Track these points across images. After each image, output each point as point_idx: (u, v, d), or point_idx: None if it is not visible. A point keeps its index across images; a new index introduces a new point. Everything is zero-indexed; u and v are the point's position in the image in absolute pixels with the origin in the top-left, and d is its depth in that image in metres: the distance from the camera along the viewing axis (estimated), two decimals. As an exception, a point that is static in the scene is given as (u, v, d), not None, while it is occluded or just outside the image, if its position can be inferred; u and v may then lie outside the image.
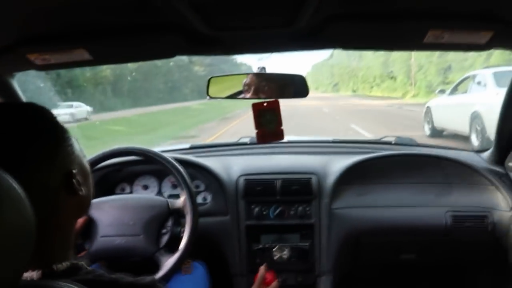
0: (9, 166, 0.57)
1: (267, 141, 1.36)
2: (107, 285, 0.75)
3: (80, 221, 0.87)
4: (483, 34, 1.02)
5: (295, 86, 1.33)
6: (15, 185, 0.56)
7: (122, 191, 1.87)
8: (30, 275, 0.70)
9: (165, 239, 1.50)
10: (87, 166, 0.83)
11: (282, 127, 1.34)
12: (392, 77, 40.37)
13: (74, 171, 0.74)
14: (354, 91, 57.90)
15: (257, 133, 1.34)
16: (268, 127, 1.32)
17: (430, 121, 9.50)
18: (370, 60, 49.51)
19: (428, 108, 9.78)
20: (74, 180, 0.73)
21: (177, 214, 1.55)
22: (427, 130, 9.67)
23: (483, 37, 1.03)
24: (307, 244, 1.73)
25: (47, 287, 0.64)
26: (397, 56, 38.09)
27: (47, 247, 0.69)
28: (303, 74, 1.42)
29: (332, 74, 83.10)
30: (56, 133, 0.74)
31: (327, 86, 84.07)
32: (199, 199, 1.82)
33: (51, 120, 0.75)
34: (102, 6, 0.91)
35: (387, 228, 1.73)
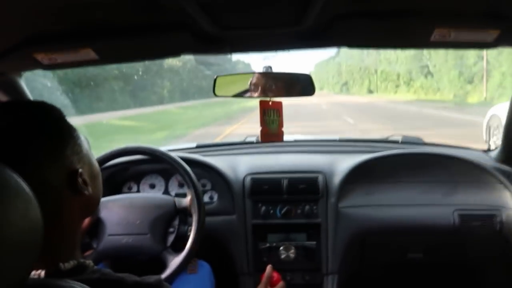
0: (12, 163, 0.57)
1: (268, 141, 1.40)
2: (113, 284, 0.75)
3: (86, 220, 0.87)
4: (489, 32, 1.02)
5: (302, 85, 1.34)
6: (24, 184, 0.56)
7: (129, 190, 1.87)
8: (37, 273, 0.70)
9: (171, 238, 1.51)
10: (97, 166, 0.83)
11: (282, 129, 1.36)
12: (428, 74, 30.07)
13: (79, 170, 0.73)
14: (370, 91, 48.81)
15: (261, 131, 1.36)
16: (271, 127, 1.34)
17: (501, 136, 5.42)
18: (392, 53, 39.26)
19: (494, 116, 6.70)
20: (79, 180, 0.73)
21: (184, 213, 1.55)
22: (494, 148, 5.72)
23: (489, 35, 1.03)
24: (314, 243, 1.73)
25: (53, 285, 0.65)
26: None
27: (52, 246, 0.70)
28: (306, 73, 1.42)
29: (339, 72, 72.31)
30: (62, 132, 0.74)
31: (333, 86, 75.80)
32: (206, 198, 1.82)
33: (58, 118, 0.75)
34: (108, 5, 0.91)
35: (394, 227, 1.73)
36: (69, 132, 0.75)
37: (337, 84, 73.17)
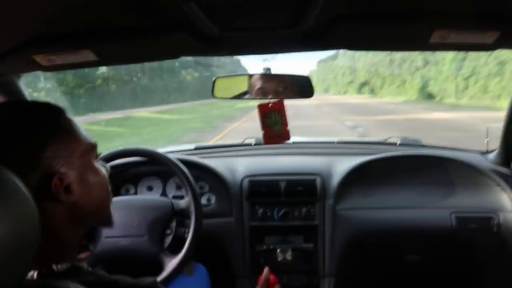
0: None
1: (274, 142, 1.37)
2: (108, 286, 0.75)
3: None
4: (489, 34, 1.02)
5: (300, 87, 1.34)
6: (21, 185, 0.56)
7: (127, 192, 1.87)
8: (31, 274, 0.70)
9: (169, 240, 1.51)
10: (97, 176, 0.79)
11: (288, 128, 1.34)
12: None
13: (58, 174, 0.69)
14: (430, 96, 30.91)
15: (264, 134, 1.34)
16: (274, 128, 1.33)
17: None
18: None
19: None
20: (55, 183, 0.69)
21: (181, 215, 1.55)
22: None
23: (489, 37, 1.03)
24: (311, 245, 1.73)
25: (49, 286, 0.65)
26: None
27: (44, 248, 0.65)
28: (307, 72, 1.39)
29: (352, 69, 57.40)
30: (48, 133, 0.71)
31: (345, 87, 60.95)
32: (203, 200, 1.82)
33: (49, 119, 0.72)
34: (108, 7, 0.91)
35: (391, 230, 1.73)
36: (58, 134, 0.72)
37: (351, 85, 57.26)
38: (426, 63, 32.40)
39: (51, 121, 0.73)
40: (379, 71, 45.31)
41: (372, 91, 47.27)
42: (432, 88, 31.96)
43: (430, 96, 31.22)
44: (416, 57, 34.04)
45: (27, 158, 0.67)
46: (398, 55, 38.62)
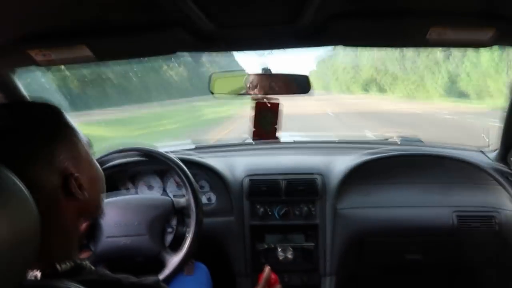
0: (6, 163, 0.57)
1: (261, 139, 1.37)
2: (111, 285, 0.75)
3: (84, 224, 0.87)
4: (485, 32, 1.02)
5: (298, 84, 1.33)
6: (21, 185, 0.56)
7: (127, 191, 1.86)
8: (33, 274, 0.70)
9: (170, 238, 1.51)
10: (98, 170, 0.82)
11: (276, 127, 1.34)
12: None
13: (75, 174, 0.72)
14: (463, 96, 24.97)
15: (254, 132, 1.34)
16: (265, 127, 1.33)
17: None
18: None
19: None
20: (72, 184, 0.71)
21: (182, 213, 1.55)
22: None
23: (485, 35, 1.03)
24: (312, 244, 1.73)
25: (50, 286, 0.65)
26: None
27: (48, 247, 0.68)
28: (307, 73, 1.41)
29: (354, 66, 52.14)
30: (57, 134, 0.72)
31: (347, 85, 56.20)
32: (204, 199, 1.82)
33: (55, 120, 0.74)
34: (104, 3, 0.91)
35: (392, 228, 1.72)
36: (66, 135, 0.74)
37: (356, 82, 51.84)
38: (448, 55, 26.76)
39: (59, 122, 0.74)
40: (388, 67, 39.25)
41: (381, 90, 41.44)
42: (464, 85, 26.00)
43: (461, 96, 25.39)
44: (434, 48, 29.00)
45: (45, 161, 0.69)
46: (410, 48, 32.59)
